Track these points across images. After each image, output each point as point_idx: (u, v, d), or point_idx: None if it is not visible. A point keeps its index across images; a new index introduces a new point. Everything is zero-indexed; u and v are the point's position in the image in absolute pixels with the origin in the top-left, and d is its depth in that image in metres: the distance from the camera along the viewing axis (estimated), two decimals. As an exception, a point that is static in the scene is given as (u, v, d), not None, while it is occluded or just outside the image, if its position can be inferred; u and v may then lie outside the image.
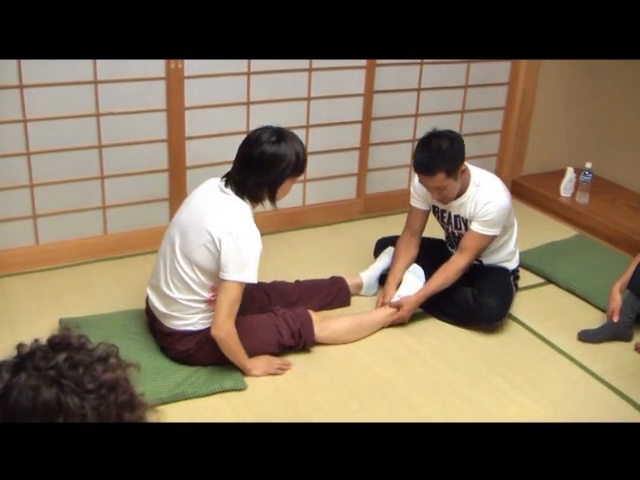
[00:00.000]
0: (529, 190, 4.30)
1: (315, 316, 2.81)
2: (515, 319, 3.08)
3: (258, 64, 3.45)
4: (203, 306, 2.56)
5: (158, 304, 2.62)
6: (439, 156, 2.75)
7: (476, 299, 2.96)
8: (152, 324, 2.71)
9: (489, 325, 2.97)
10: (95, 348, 1.05)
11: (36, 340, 1.04)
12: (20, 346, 1.03)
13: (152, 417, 1.06)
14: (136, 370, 1.07)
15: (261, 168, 2.47)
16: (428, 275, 3.02)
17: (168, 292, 2.56)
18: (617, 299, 2.94)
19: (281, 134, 2.50)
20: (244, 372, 2.61)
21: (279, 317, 2.74)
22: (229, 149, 3.26)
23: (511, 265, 3.14)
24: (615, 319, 2.92)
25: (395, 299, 2.98)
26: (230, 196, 2.50)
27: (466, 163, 2.88)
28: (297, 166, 2.52)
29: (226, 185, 2.53)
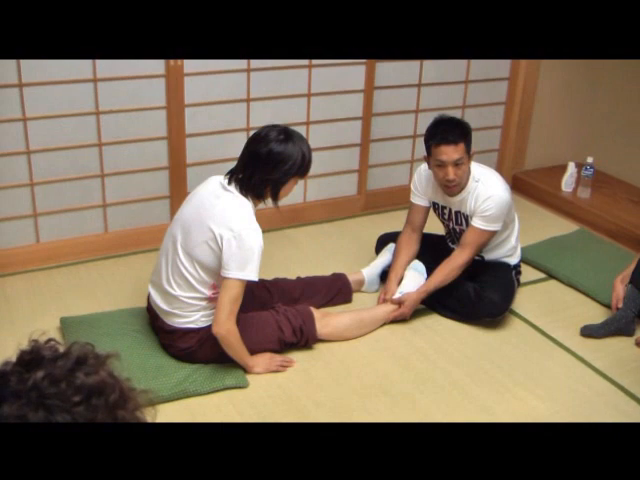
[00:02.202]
0: (530, 185, 4.30)
1: (317, 313, 2.81)
2: (517, 314, 3.08)
3: (258, 61, 3.44)
4: (204, 303, 2.56)
5: (160, 301, 2.62)
6: (458, 127, 2.85)
7: (478, 294, 2.95)
8: (154, 322, 2.71)
9: (491, 319, 2.97)
10: (69, 351, 0.97)
11: (6, 362, 0.96)
12: None
13: (144, 398, 1.01)
14: (116, 359, 1.00)
15: (266, 166, 2.47)
16: (429, 271, 3.02)
17: (169, 289, 2.56)
18: (619, 289, 2.96)
19: (289, 133, 2.50)
20: (246, 370, 2.61)
21: (280, 314, 2.74)
22: (229, 146, 3.25)
23: (513, 260, 3.13)
24: (620, 305, 2.93)
25: (396, 295, 2.97)
26: (233, 193, 2.50)
27: None
28: (302, 166, 2.52)
29: (229, 182, 2.52)
